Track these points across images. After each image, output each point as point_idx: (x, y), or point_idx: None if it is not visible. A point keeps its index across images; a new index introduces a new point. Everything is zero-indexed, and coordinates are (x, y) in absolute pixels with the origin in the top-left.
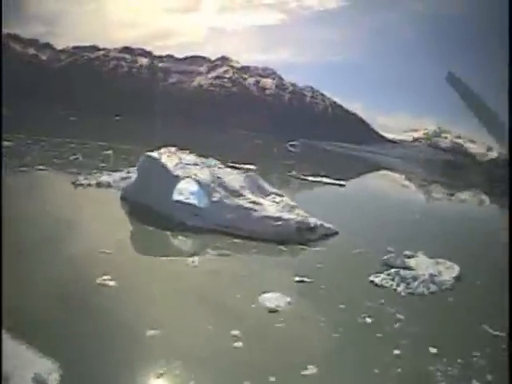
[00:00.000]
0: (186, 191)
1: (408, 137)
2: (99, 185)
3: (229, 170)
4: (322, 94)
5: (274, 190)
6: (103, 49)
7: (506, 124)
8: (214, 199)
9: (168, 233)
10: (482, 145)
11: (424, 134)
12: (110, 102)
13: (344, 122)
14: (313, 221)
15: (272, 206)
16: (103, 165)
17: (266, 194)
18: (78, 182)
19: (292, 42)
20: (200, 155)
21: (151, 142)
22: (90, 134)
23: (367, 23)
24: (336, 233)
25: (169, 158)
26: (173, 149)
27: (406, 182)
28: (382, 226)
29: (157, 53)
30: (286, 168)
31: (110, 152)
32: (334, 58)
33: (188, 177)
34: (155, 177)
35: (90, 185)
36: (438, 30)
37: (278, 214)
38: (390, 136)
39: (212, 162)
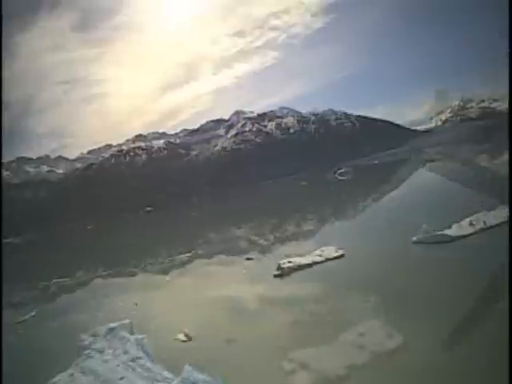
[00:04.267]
0: None
1: (438, 121)
2: None
3: None
4: (344, 113)
5: None
6: (117, 145)
7: None
8: None
9: None
10: (505, 99)
11: (450, 112)
12: (135, 195)
13: (375, 130)
14: None
15: None
16: None
17: None
18: None
19: (293, 74)
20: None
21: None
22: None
23: (356, 28)
24: None
25: None
26: None
27: (450, 165)
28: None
29: (171, 131)
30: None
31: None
32: (337, 74)
33: None
34: None
35: None
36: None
37: None
38: (422, 127)
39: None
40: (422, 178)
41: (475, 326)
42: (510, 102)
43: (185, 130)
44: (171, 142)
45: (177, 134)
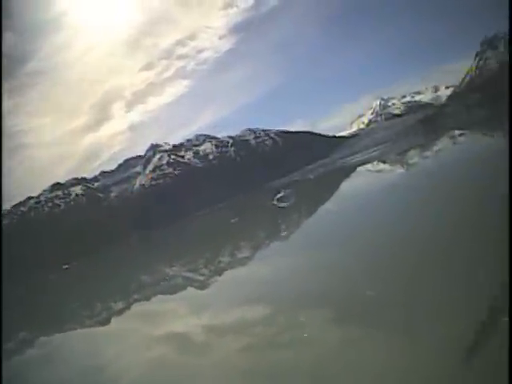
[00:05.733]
0: None
1: (361, 124)
2: None
3: None
4: (263, 130)
5: None
6: (36, 196)
7: None
8: None
9: None
10: (427, 90)
11: (372, 113)
12: (55, 250)
13: (299, 143)
14: None
15: None
16: None
17: None
18: None
19: (207, 100)
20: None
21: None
22: None
23: (267, 43)
24: None
25: None
26: None
27: (382, 166)
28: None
29: (91, 175)
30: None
31: None
32: (252, 93)
33: None
34: None
35: None
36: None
37: None
38: (344, 133)
39: None
40: (355, 185)
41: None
42: (510, 103)
43: (103, 172)
44: (89, 187)
45: (95, 177)
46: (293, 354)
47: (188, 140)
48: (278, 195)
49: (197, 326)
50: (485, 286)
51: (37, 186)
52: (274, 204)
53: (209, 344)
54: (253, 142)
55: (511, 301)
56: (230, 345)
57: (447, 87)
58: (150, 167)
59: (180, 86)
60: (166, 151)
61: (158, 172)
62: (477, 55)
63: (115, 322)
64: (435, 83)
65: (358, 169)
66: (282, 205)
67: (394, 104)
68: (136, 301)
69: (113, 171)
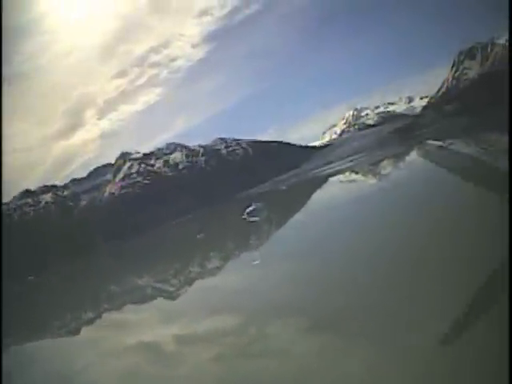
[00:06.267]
0: None
1: (333, 134)
2: None
3: None
4: (234, 139)
5: None
6: (6, 203)
7: None
8: None
9: None
10: (401, 100)
11: (345, 123)
12: (24, 259)
13: (270, 153)
14: None
15: None
16: None
17: None
18: None
19: (179, 109)
20: None
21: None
22: None
23: (239, 52)
24: None
25: None
26: None
27: (354, 176)
28: None
29: (61, 183)
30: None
31: None
32: (224, 102)
33: None
34: None
35: None
36: None
37: None
38: (317, 143)
39: None
40: (327, 196)
41: None
42: (510, 105)
43: (74, 179)
44: (59, 195)
45: (66, 185)
46: (265, 364)
47: (159, 149)
48: (249, 209)
49: (167, 336)
50: (461, 295)
51: (7, 192)
52: (244, 218)
53: (180, 353)
54: (224, 151)
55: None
56: (201, 354)
57: (422, 98)
58: (120, 175)
59: (152, 94)
60: (136, 159)
61: (127, 180)
62: (453, 65)
63: (85, 331)
64: (409, 93)
65: (331, 179)
66: (253, 219)
67: (367, 114)
68: (106, 310)
69: (83, 179)
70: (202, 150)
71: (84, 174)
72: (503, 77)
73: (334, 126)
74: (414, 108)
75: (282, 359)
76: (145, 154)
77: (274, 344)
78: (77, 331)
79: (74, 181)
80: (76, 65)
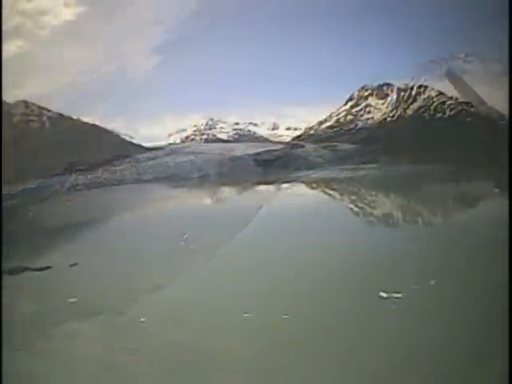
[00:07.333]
0: None
1: (178, 139)
2: None
3: None
4: (39, 107)
5: None
6: None
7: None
8: None
9: None
10: (264, 125)
11: (195, 131)
12: None
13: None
14: None
15: None
16: None
17: None
18: None
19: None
20: None
21: None
22: None
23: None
24: None
25: None
26: None
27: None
28: None
29: None
30: None
31: None
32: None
33: None
34: None
35: None
36: None
37: None
38: (155, 144)
39: None
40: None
41: None
42: (510, 109)
43: None
44: None
45: None
46: (215, 381)
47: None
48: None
49: (114, 349)
50: (406, 313)
51: None
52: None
53: (127, 367)
54: (18, 117)
55: (511, 307)
56: (148, 369)
57: (288, 129)
58: None
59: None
60: None
61: None
62: (350, 99)
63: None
64: (275, 120)
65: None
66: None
67: (222, 128)
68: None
69: None
70: None
71: None
72: None
73: (183, 130)
74: (278, 135)
75: (228, 375)
76: None
77: (219, 361)
78: None
79: None
80: None
